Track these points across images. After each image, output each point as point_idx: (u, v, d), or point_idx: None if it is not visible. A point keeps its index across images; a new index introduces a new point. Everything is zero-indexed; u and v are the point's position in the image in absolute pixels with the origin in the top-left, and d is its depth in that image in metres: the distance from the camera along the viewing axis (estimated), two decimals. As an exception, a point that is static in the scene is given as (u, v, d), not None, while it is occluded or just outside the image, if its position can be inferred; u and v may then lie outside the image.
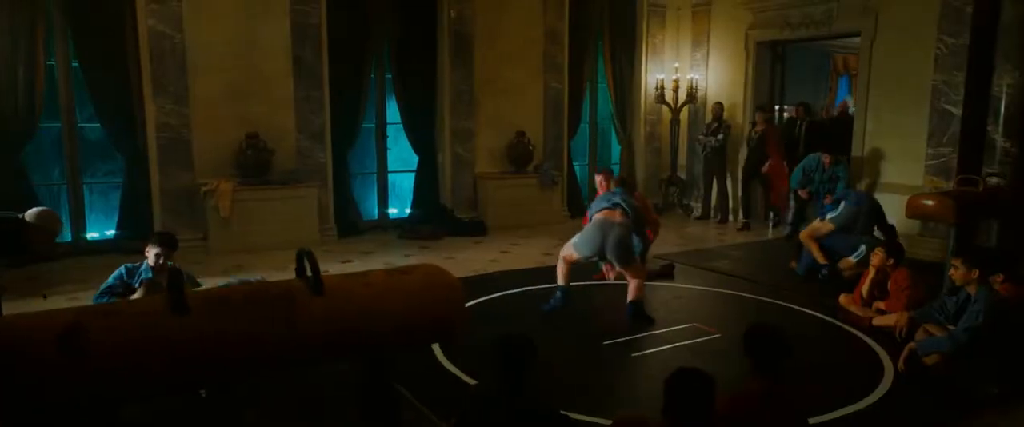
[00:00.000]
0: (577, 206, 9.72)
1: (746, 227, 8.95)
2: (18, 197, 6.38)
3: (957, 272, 3.96)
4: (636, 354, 4.43)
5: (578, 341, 4.71)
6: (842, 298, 5.15)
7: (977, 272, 3.89)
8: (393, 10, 8.17)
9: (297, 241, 7.25)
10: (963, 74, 7.10)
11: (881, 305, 4.85)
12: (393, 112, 8.52)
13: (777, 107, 9.62)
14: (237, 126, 7.27)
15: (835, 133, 8.50)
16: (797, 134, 8.98)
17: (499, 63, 8.86)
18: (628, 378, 4.19)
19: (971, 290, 3.95)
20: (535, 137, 9.16)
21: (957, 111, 7.17)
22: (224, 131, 7.23)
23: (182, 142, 7.10)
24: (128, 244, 6.88)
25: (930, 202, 5.08)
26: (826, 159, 7.46)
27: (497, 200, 8.82)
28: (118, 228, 7.10)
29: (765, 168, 8.63)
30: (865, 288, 4.98)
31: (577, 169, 9.96)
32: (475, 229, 8.40)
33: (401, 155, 8.80)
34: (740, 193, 9.22)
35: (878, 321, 4.73)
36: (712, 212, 9.63)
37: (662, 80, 9.71)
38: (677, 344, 4.62)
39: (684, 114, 10.05)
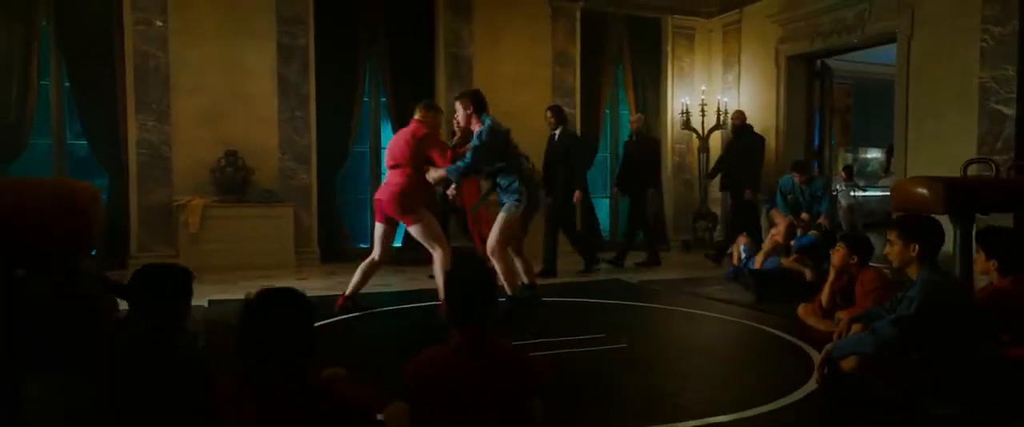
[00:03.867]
0: (594, 240, 8.99)
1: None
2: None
3: (892, 249, 3.00)
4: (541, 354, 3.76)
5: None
6: (800, 309, 4.16)
7: (916, 247, 2.91)
8: (387, 32, 8.04)
9: (271, 262, 7.21)
10: (1015, 67, 5.96)
11: (844, 314, 3.82)
12: (389, 136, 8.27)
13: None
14: (218, 145, 7.26)
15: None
16: (556, 151, 7.05)
17: (501, 86, 8.43)
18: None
19: (912, 273, 2.96)
20: (542, 165, 8.57)
21: (1010, 111, 5.99)
22: (204, 149, 7.23)
23: (161, 159, 7.16)
24: (107, 259, 6.96)
25: (922, 190, 4.04)
26: (798, 179, 6.54)
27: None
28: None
29: (451, 192, 5.91)
30: (825, 296, 3.98)
31: (597, 202, 9.22)
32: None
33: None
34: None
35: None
36: (745, 247, 8.53)
37: (687, 104, 8.92)
38: (573, 349, 3.90)
39: (714, 141, 9.16)
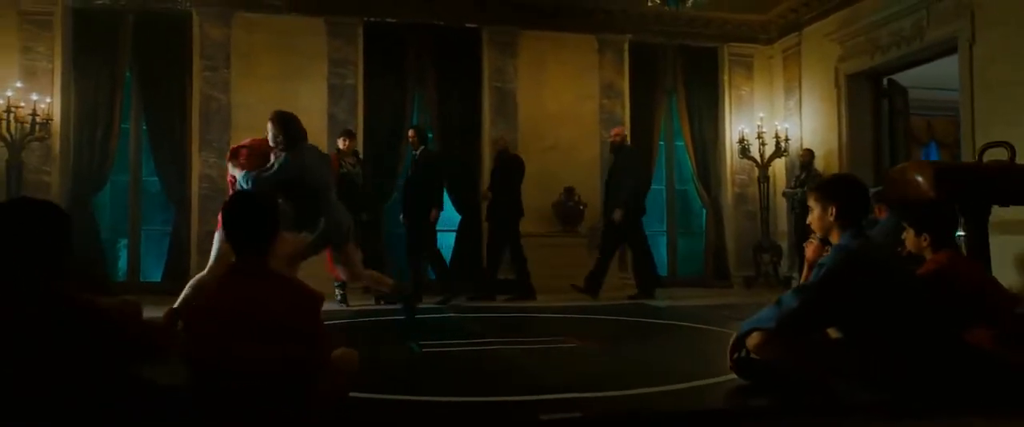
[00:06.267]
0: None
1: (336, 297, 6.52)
2: (87, 237, 7.44)
3: (812, 215, 2.67)
4: (474, 349, 3.76)
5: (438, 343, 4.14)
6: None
7: (834, 209, 2.57)
8: (434, 68, 8.33)
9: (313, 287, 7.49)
10: (1090, 61, 5.24)
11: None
12: (435, 171, 8.47)
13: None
14: (271, 179, 7.73)
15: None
16: (417, 172, 6.99)
17: (546, 119, 8.50)
18: (454, 366, 3.58)
19: (834, 239, 2.61)
20: (590, 197, 8.43)
21: (1088, 110, 5.23)
22: (258, 183, 7.72)
23: (220, 192, 7.70)
24: (171, 285, 7.53)
25: (917, 176, 3.61)
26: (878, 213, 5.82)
27: (540, 260, 8.11)
28: (165, 271, 7.77)
29: None
30: (799, 292, 3.55)
31: (648, 237, 8.87)
32: (509, 289, 7.67)
33: (450, 214, 8.61)
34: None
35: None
36: (811, 282, 7.85)
37: (743, 131, 8.51)
38: (528, 347, 3.87)
39: (778, 169, 8.64)
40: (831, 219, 2.57)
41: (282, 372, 1.95)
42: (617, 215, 7.08)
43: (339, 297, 6.77)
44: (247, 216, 2.01)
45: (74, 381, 1.82)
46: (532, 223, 8.39)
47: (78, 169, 7.53)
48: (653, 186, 8.93)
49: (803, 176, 7.78)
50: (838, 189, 2.59)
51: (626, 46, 8.75)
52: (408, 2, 8.15)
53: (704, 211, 9.06)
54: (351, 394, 2.33)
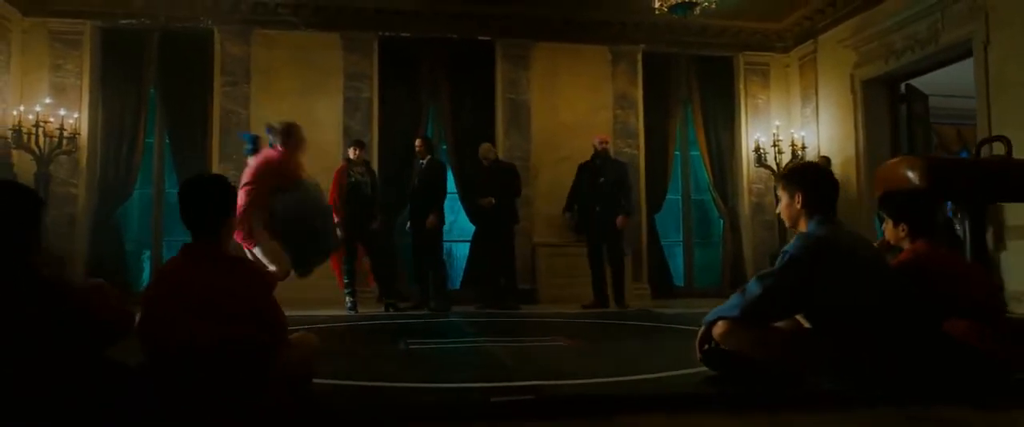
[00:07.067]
0: (665, 286, 8.59)
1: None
2: (112, 248, 7.70)
3: (780, 204, 2.64)
4: (461, 347, 3.83)
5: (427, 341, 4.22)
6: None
7: (801, 197, 2.54)
8: (448, 81, 8.46)
9: (329, 298, 7.59)
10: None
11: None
12: (450, 182, 8.54)
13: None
14: (288, 190, 7.89)
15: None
16: (422, 179, 7.15)
17: (560, 129, 8.53)
18: (433, 360, 3.67)
19: (801, 227, 2.58)
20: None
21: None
22: (276, 194, 7.88)
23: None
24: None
25: (908, 171, 3.54)
26: None
27: (552, 270, 8.15)
28: (185, 281, 7.96)
29: None
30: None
31: (665, 247, 8.83)
32: (517, 298, 7.69)
33: (463, 224, 8.68)
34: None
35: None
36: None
37: (759, 140, 8.43)
38: (515, 345, 4.01)
39: (794, 179, 8.50)
40: (798, 207, 2.55)
41: (237, 352, 2.00)
42: (620, 221, 7.06)
43: (349, 304, 6.84)
44: (200, 199, 2.08)
45: (49, 358, 1.89)
46: (545, 233, 8.43)
47: (104, 182, 7.79)
48: (669, 196, 8.94)
49: (819, 184, 7.65)
50: (804, 177, 2.57)
51: (639, 57, 8.75)
52: (422, 17, 8.30)
53: (721, 221, 8.97)
54: (314, 381, 2.37)
